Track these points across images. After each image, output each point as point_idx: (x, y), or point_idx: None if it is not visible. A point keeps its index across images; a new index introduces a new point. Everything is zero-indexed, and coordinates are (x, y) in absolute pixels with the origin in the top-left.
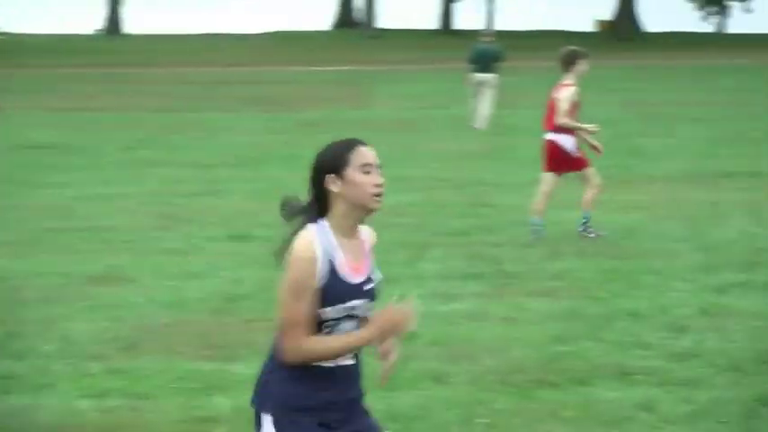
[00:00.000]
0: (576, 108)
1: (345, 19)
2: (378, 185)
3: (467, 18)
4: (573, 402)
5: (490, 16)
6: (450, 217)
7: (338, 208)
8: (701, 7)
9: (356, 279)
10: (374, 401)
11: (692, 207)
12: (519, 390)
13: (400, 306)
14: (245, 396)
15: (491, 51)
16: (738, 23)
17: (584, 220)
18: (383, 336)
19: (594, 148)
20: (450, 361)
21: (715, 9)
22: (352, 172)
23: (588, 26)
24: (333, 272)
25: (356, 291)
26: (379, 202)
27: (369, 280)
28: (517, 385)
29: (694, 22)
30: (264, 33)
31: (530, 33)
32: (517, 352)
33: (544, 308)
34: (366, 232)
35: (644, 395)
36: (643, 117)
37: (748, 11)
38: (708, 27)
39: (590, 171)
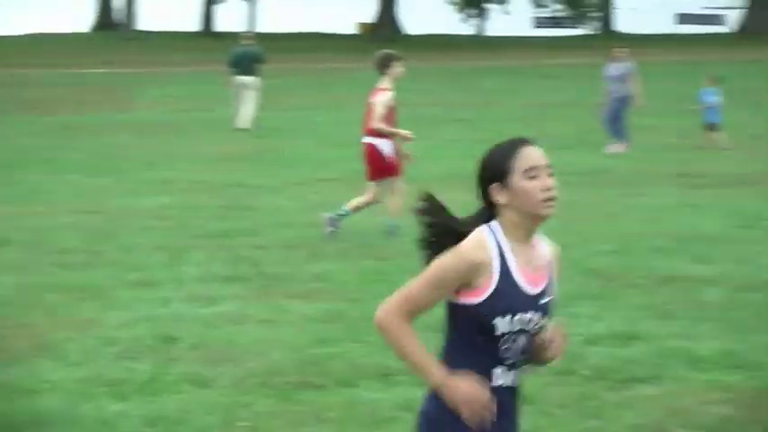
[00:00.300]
0: (392, 112)
1: (105, 21)
2: (547, 189)
3: (228, 20)
4: (335, 404)
5: (252, 18)
6: (210, 219)
7: (507, 217)
8: (461, 10)
9: (530, 289)
10: (134, 407)
11: (453, 209)
12: (280, 392)
13: (484, 392)
14: None
15: (251, 53)
16: (497, 26)
17: (390, 229)
18: (450, 399)
19: (406, 156)
20: (211, 364)
21: (475, 11)
22: (517, 180)
23: (350, 29)
24: (506, 274)
25: (529, 302)
26: (551, 207)
27: (544, 293)
28: (278, 387)
29: (455, 24)
30: (23, 35)
31: (292, 35)
32: (278, 354)
33: (305, 310)
34: (546, 245)
35: (406, 395)
36: (405, 119)
37: (506, 13)
38: (468, 29)
39: (399, 180)
